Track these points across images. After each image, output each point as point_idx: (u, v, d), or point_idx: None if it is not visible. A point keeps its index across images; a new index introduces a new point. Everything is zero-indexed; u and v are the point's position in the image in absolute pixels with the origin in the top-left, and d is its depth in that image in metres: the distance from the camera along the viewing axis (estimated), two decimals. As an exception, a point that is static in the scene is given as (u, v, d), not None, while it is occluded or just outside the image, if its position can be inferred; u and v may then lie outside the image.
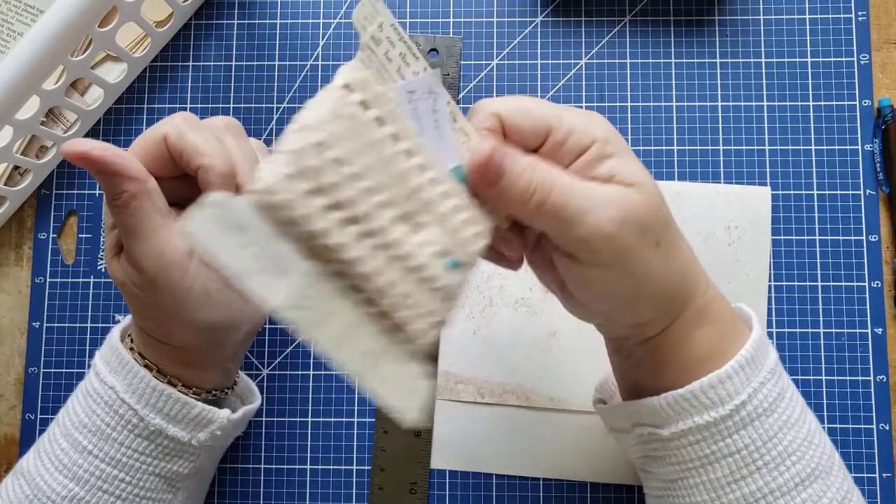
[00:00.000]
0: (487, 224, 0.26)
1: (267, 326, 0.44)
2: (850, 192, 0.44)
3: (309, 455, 0.43)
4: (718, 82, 0.45)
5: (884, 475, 0.42)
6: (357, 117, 0.23)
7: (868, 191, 0.44)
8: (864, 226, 0.44)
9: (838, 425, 0.42)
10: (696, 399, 0.30)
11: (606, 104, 0.45)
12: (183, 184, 0.32)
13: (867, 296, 0.43)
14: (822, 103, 0.45)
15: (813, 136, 0.44)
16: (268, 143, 0.46)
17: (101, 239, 0.45)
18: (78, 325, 0.45)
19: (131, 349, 0.34)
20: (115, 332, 0.35)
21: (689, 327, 0.30)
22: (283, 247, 0.22)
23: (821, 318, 0.43)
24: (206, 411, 0.34)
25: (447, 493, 0.42)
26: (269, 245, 0.22)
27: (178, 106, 0.46)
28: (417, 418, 0.25)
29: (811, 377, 0.43)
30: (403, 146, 0.24)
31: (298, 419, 0.44)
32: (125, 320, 0.36)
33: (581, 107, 0.45)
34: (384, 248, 0.23)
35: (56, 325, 0.45)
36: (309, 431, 0.44)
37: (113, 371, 0.33)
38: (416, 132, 0.25)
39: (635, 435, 0.33)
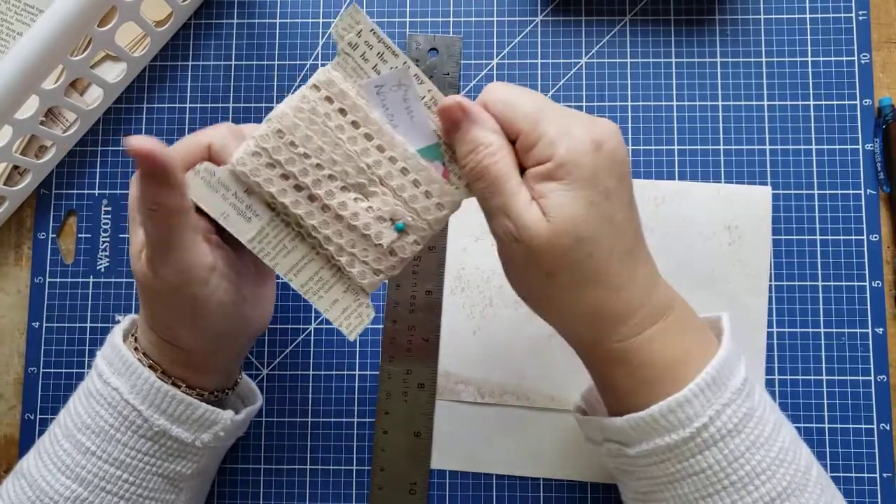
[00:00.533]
0: (454, 197, 0.31)
1: (267, 327, 0.44)
2: (851, 192, 0.44)
3: (309, 455, 0.43)
4: (719, 82, 0.45)
5: (884, 475, 0.42)
6: (317, 110, 0.30)
7: (869, 190, 0.44)
8: (864, 225, 0.44)
9: (839, 425, 0.42)
10: (655, 422, 0.30)
11: (606, 104, 0.45)
12: None
13: (868, 295, 0.43)
14: (823, 103, 0.45)
15: (813, 136, 0.44)
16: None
17: (127, 236, 0.45)
18: (77, 324, 0.45)
19: (135, 349, 0.34)
20: (117, 333, 0.35)
21: (643, 344, 0.30)
22: (252, 201, 0.31)
23: (821, 318, 0.43)
24: (209, 412, 0.34)
25: (447, 493, 0.42)
26: (242, 199, 0.31)
27: (177, 105, 0.46)
28: (355, 337, 0.34)
29: (812, 377, 0.43)
30: (363, 131, 0.31)
31: (298, 419, 0.44)
32: (125, 321, 0.36)
33: (581, 107, 0.45)
34: (328, 209, 0.31)
35: (55, 324, 0.45)
36: (309, 431, 0.43)
37: (116, 372, 0.33)
38: (384, 120, 0.31)
39: (605, 449, 0.33)
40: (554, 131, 0.28)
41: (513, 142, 0.30)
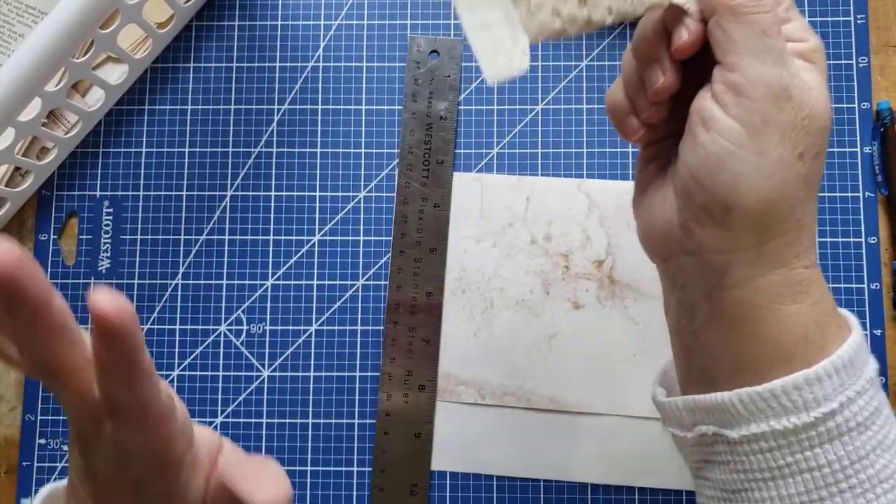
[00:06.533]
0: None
1: (267, 328, 0.44)
2: (850, 195, 0.44)
3: (309, 456, 0.43)
4: (718, 85, 0.45)
5: (882, 476, 0.42)
6: None
7: (867, 193, 0.44)
8: (863, 228, 0.44)
9: (837, 427, 0.42)
10: (776, 400, 0.25)
11: (607, 106, 0.45)
12: None
13: (866, 297, 0.43)
14: (822, 106, 0.45)
15: (812, 139, 0.45)
16: (268, 143, 0.46)
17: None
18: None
19: None
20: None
21: (779, 297, 0.26)
22: None
23: (820, 320, 0.43)
24: None
25: (448, 494, 0.43)
26: None
27: (178, 107, 0.46)
28: (493, 82, 0.27)
29: (810, 379, 0.43)
30: None
31: (299, 420, 0.44)
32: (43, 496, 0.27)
33: (581, 109, 0.46)
34: None
35: (56, 326, 0.45)
36: (310, 433, 0.44)
37: None
38: None
39: (696, 435, 0.28)
40: (803, 22, 0.28)
41: None
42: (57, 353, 0.20)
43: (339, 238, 0.45)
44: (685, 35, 0.26)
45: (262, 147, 0.46)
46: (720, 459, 0.28)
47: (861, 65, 0.45)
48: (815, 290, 0.26)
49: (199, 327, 0.45)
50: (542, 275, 0.44)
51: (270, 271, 0.45)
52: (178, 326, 0.45)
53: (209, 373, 0.44)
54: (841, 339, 0.26)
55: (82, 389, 0.21)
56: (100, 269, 0.45)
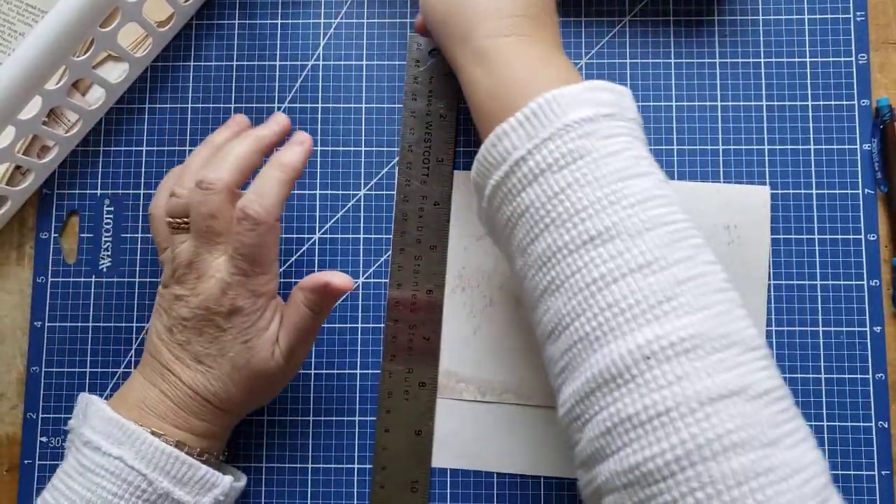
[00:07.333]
0: None
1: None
2: (849, 192, 0.44)
3: (310, 454, 0.43)
4: (718, 82, 0.45)
5: (882, 473, 0.42)
6: None
7: (866, 190, 0.44)
8: (862, 225, 0.44)
9: (837, 423, 0.42)
10: (484, 159, 0.31)
11: (606, 104, 0.45)
12: None
13: (866, 294, 0.43)
14: (821, 103, 0.45)
15: (812, 136, 0.45)
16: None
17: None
18: (79, 324, 0.45)
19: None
20: (104, 406, 0.36)
21: (510, 44, 0.32)
22: None
23: (820, 317, 0.43)
24: (211, 474, 0.36)
25: (448, 491, 0.43)
26: None
27: (178, 105, 0.47)
28: None
29: (810, 375, 0.43)
30: None
31: (300, 418, 0.44)
32: (80, 403, 0.38)
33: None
34: None
35: (57, 324, 0.45)
36: (311, 430, 0.44)
37: (116, 443, 0.34)
38: None
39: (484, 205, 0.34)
40: None
41: None
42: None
43: (339, 236, 0.45)
44: None
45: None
46: (492, 227, 0.34)
47: (860, 62, 0.45)
48: (494, 59, 0.32)
49: (200, 325, 0.45)
50: (542, 272, 0.44)
51: (271, 269, 0.45)
52: (178, 324, 0.45)
53: (210, 371, 0.44)
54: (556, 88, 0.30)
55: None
56: (101, 267, 0.45)
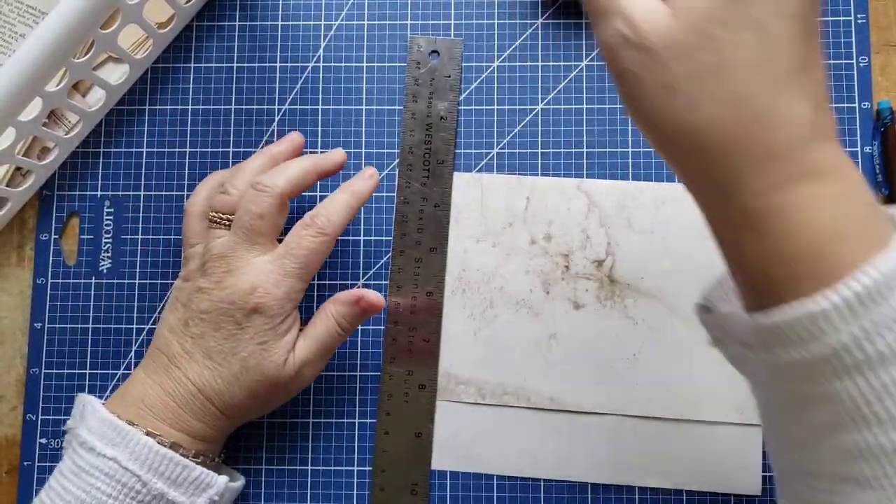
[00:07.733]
0: None
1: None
2: (850, 194, 0.44)
3: (310, 456, 0.43)
4: (718, 84, 0.45)
5: None
6: None
7: (867, 193, 0.44)
8: (863, 228, 0.44)
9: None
10: (782, 333, 0.23)
11: (607, 106, 0.45)
12: None
13: (866, 297, 0.43)
14: (822, 106, 0.45)
15: (812, 139, 0.45)
16: (269, 143, 0.46)
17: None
18: (79, 325, 0.45)
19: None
20: (100, 407, 0.36)
21: (790, 204, 0.23)
22: None
23: (820, 320, 0.43)
24: (205, 475, 0.36)
25: (448, 493, 0.43)
26: None
27: (179, 107, 0.47)
28: None
29: (810, 378, 0.43)
30: None
31: (300, 420, 0.44)
32: (93, 401, 0.37)
33: (581, 109, 0.46)
34: None
35: (57, 325, 0.45)
36: (310, 432, 0.44)
37: (111, 444, 0.34)
38: None
39: (734, 350, 0.27)
40: None
41: None
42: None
43: (339, 238, 0.45)
44: None
45: (262, 147, 0.46)
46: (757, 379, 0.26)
47: (861, 64, 0.45)
48: (833, 194, 0.24)
49: (200, 327, 0.45)
50: (542, 274, 0.44)
51: (271, 271, 0.45)
52: (178, 326, 0.45)
53: (210, 372, 0.44)
54: (874, 247, 0.23)
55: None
56: (101, 268, 0.45)
